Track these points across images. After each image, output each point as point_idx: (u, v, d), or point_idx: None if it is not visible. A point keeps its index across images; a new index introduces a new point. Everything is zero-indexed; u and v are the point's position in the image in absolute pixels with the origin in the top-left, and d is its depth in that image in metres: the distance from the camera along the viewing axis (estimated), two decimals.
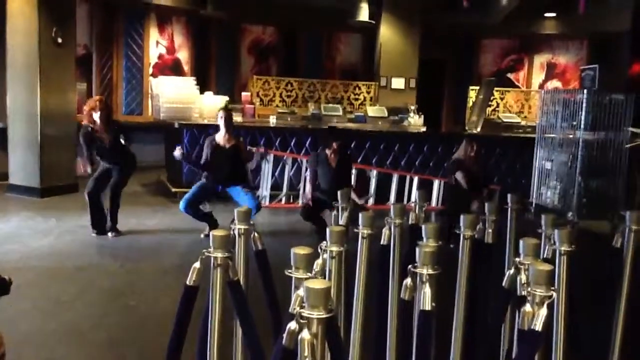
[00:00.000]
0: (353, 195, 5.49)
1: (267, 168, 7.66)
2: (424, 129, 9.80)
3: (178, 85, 8.84)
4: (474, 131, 9.84)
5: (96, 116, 5.56)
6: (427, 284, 1.81)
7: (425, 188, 7.09)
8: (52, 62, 7.48)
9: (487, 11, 11.47)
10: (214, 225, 5.62)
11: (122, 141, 5.72)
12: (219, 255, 1.89)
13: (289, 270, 1.62)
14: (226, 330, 2.01)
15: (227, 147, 5.63)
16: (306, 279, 1.51)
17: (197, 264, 1.97)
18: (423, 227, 2.22)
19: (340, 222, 2.82)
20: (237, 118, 8.11)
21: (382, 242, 2.57)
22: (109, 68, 10.38)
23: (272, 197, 7.69)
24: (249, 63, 12.11)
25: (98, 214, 5.76)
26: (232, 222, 2.21)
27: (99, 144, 5.63)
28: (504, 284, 2.12)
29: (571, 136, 7.30)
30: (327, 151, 5.92)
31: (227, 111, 5.81)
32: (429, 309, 1.78)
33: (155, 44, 10.84)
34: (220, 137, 5.64)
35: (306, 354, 1.27)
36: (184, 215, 6.90)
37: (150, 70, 10.75)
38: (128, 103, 10.64)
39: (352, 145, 6.12)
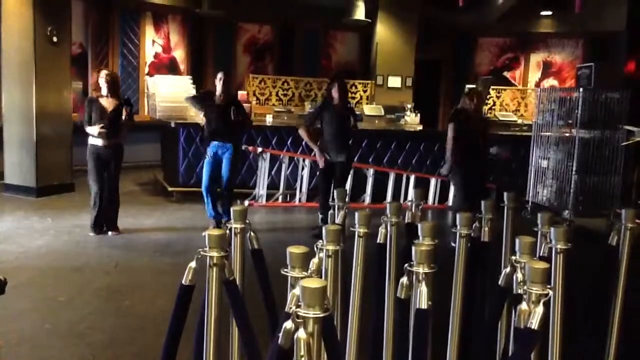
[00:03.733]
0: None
1: (263, 167, 7.66)
2: (420, 127, 9.81)
3: (174, 84, 8.82)
4: None
5: (104, 88, 5.66)
6: (424, 283, 1.81)
7: (422, 186, 7.10)
8: (47, 61, 7.45)
9: (484, 10, 11.48)
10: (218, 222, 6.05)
11: (124, 113, 5.72)
12: (215, 254, 1.89)
13: (285, 269, 1.62)
14: (222, 329, 2.00)
15: (221, 104, 6.08)
16: (302, 278, 1.50)
17: (192, 264, 1.96)
18: (419, 225, 2.22)
19: (337, 221, 2.82)
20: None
21: (378, 241, 2.57)
22: (105, 67, 10.32)
23: (269, 196, 7.68)
24: (245, 62, 12.08)
25: (105, 212, 5.80)
26: (226, 221, 2.21)
27: (100, 111, 5.62)
28: (500, 282, 2.12)
29: (567, 134, 7.31)
30: (332, 98, 5.98)
31: (227, 75, 6.28)
32: (426, 307, 1.77)
33: (151, 43, 10.81)
34: (217, 97, 6.12)
35: (302, 353, 1.27)
36: (180, 215, 6.93)
37: (146, 69, 10.72)
38: None
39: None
